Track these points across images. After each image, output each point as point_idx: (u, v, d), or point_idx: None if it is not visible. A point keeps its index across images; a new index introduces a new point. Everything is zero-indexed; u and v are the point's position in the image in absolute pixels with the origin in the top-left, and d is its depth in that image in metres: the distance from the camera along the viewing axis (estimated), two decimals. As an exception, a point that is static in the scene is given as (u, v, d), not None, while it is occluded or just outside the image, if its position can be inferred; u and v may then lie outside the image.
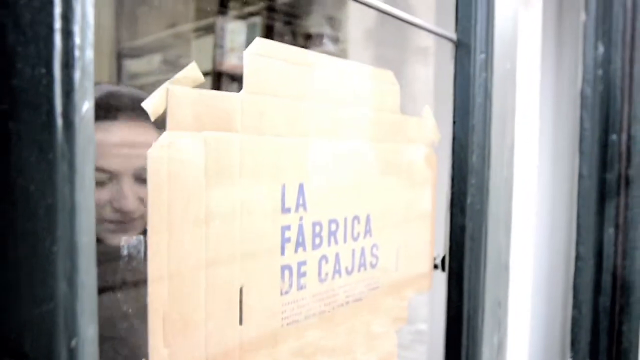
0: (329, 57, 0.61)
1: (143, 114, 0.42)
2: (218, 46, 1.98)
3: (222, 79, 1.93)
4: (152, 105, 0.42)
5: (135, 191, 0.65)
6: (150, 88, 0.43)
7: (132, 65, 1.86)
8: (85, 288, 0.33)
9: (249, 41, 0.52)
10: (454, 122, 0.82)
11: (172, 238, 0.43)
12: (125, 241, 0.60)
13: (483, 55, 0.80)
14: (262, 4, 2.01)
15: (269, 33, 1.98)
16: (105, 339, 0.41)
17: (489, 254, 0.83)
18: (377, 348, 0.71)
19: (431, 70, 1.36)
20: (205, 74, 0.46)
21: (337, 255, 0.62)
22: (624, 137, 1.22)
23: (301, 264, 0.57)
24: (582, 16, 1.25)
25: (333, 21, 2.03)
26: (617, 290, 1.24)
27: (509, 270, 0.93)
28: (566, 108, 1.31)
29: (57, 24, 0.31)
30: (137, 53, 1.83)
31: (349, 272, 0.65)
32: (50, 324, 0.31)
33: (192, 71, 0.45)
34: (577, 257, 1.27)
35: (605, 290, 1.25)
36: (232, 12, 2.03)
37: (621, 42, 1.22)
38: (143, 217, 0.65)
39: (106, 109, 0.65)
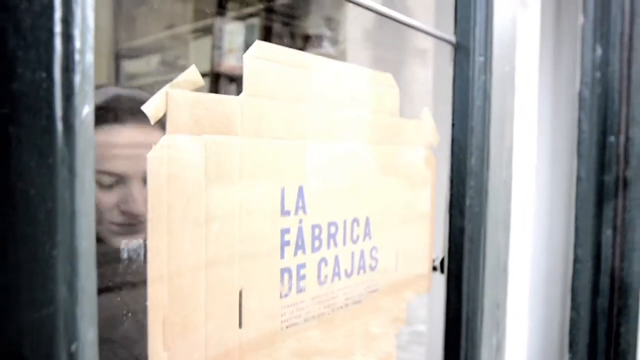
0: (328, 60, 0.61)
1: None
2: (216, 47, 1.98)
3: (220, 80, 1.92)
4: (152, 109, 0.42)
5: (144, 194, 0.65)
6: (148, 89, 0.43)
7: (130, 66, 1.86)
8: (85, 292, 0.33)
9: (247, 42, 0.52)
10: (453, 125, 0.82)
11: (172, 241, 0.43)
12: (126, 244, 0.59)
13: (482, 58, 0.80)
14: (260, 5, 2.01)
15: (267, 34, 1.98)
16: (105, 341, 0.41)
17: (487, 255, 0.83)
18: (376, 350, 0.71)
19: (430, 72, 1.36)
20: (203, 75, 0.46)
21: (336, 257, 0.62)
22: (622, 139, 1.23)
23: (300, 266, 0.57)
24: (580, 18, 1.25)
25: (331, 22, 2.03)
26: (615, 291, 1.25)
27: (508, 272, 0.94)
28: (564, 110, 1.31)
29: (58, 28, 0.31)
30: (135, 54, 1.83)
31: (348, 275, 0.65)
32: (50, 328, 0.31)
33: (192, 74, 0.45)
34: (575, 259, 1.27)
35: (604, 292, 1.26)
36: (231, 13, 2.03)
37: (619, 45, 1.22)
38: None
39: (114, 112, 0.64)
